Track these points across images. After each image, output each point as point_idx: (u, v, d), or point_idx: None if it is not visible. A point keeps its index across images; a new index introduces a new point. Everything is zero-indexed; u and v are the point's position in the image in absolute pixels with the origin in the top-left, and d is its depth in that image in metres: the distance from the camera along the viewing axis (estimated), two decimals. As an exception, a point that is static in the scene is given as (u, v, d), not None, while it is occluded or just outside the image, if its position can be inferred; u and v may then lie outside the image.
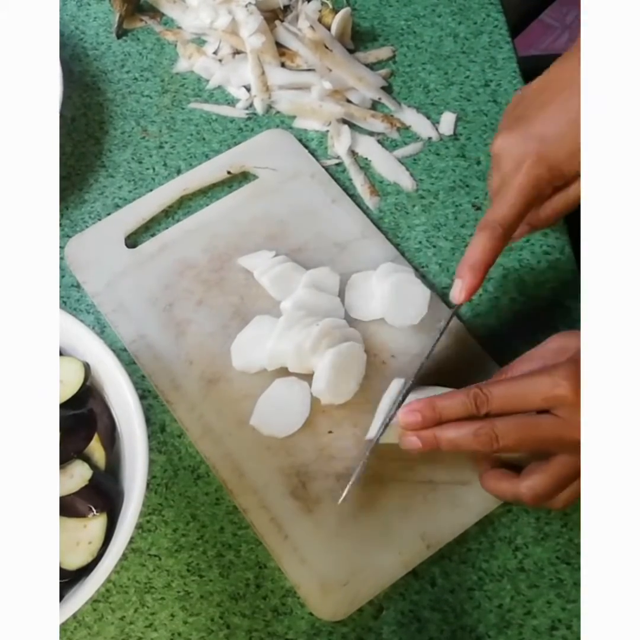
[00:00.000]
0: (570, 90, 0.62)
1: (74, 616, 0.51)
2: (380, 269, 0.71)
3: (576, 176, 0.63)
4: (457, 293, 0.61)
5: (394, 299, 0.70)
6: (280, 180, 0.78)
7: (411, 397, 0.61)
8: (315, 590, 0.61)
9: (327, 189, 0.77)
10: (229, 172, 0.78)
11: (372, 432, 0.61)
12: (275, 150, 0.79)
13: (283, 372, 0.67)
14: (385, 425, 0.60)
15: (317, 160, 0.80)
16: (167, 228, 0.75)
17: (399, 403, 0.60)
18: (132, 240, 0.75)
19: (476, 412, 0.57)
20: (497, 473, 0.61)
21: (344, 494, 0.60)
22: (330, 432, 0.66)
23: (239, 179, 0.79)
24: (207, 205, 0.77)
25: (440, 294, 0.73)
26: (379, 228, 0.76)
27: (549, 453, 0.58)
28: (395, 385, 0.62)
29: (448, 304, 0.73)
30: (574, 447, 0.55)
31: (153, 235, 0.75)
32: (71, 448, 0.56)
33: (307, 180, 0.78)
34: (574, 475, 0.58)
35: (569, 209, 0.65)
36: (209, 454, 0.66)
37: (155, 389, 0.68)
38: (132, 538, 0.52)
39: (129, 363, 0.69)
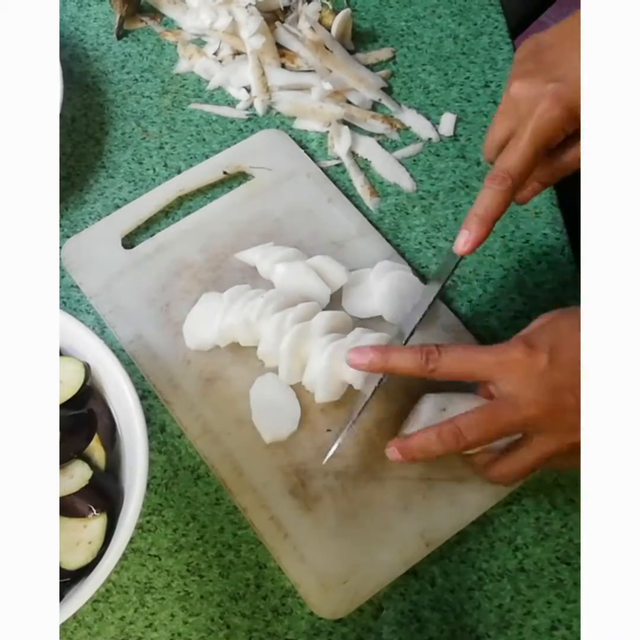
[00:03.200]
0: None
1: (74, 616, 0.51)
2: (378, 266, 0.72)
3: None
4: (462, 244, 0.61)
5: (391, 297, 0.70)
6: (276, 180, 0.78)
7: (423, 405, 0.63)
8: (315, 589, 0.61)
9: (323, 188, 0.77)
10: (225, 173, 0.78)
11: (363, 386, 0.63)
12: (271, 150, 0.79)
13: (236, 347, 0.68)
14: (380, 380, 0.62)
15: (316, 160, 0.80)
16: (165, 228, 0.76)
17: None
18: (130, 241, 0.75)
19: (424, 366, 0.58)
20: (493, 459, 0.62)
21: (333, 449, 0.62)
22: (328, 430, 0.66)
23: (236, 179, 0.79)
24: (206, 205, 0.77)
25: (440, 294, 0.73)
26: (378, 229, 0.76)
27: (520, 435, 0.59)
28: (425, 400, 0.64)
29: (447, 304, 0.73)
30: (534, 426, 0.57)
31: (152, 235, 0.75)
32: (71, 448, 0.56)
33: (303, 180, 0.78)
34: (553, 451, 0.58)
35: (578, 164, 0.64)
36: (207, 454, 0.66)
37: (154, 388, 0.68)
38: (132, 538, 0.52)
39: (128, 363, 0.69)
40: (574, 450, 0.56)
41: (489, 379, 0.58)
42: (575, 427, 0.55)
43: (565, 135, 0.61)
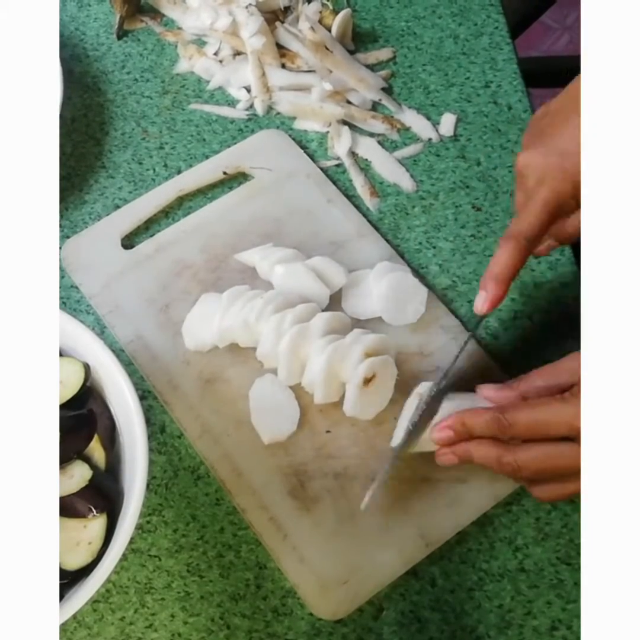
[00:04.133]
0: None
1: (74, 616, 0.51)
2: (377, 267, 0.72)
3: None
4: (481, 304, 0.61)
5: (391, 298, 0.70)
6: (275, 180, 0.78)
7: (444, 405, 0.61)
8: (315, 590, 0.61)
9: (323, 189, 0.77)
10: (225, 173, 0.78)
11: (396, 440, 0.61)
12: (271, 151, 0.79)
13: (235, 348, 0.68)
14: (409, 433, 0.60)
15: (316, 161, 0.80)
16: (165, 229, 0.76)
17: (422, 410, 0.60)
18: (130, 241, 0.75)
19: (501, 436, 0.58)
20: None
21: (366, 499, 0.59)
22: (328, 431, 0.66)
23: (236, 179, 0.79)
24: (206, 205, 0.77)
25: (440, 294, 0.73)
26: (378, 229, 0.76)
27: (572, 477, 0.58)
28: (420, 390, 0.62)
29: (447, 304, 0.73)
30: None
31: (152, 235, 0.75)
32: (71, 448, 0.56)
33: (302, 180, 0.78)
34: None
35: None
36: (207, 454, 0.66)
37: (153, 389, 0.68)
38: (132, 538, 0.52)
39: (128, 363, 0.69)
40: None
41: (569, 434, 0.57)
42: None
43: (576, 203, 0.62)
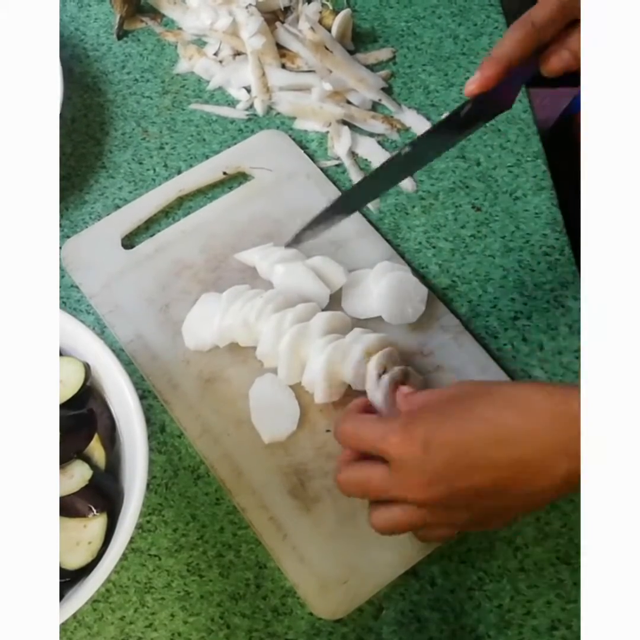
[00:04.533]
0: None
1: (74, 616, 0.51)
2: (377, 267, 0.72)
3: None
4: (470, 83, 0.58)
5: (391, 297, 0.70)
6: (276, 180, 0.78)
7: None
8: (315, 589, 0.61)
9: (323, 189, 0.77)
10: (225, 173, 0.78)
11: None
12: (271, 151, 0.79)
13: (235, 347, 0.68)
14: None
15: (316, 161, 0.80)
16: (165, 229, 0.76)
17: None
18: (130, 241, 0.75)
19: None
20: (346, 454, 0.60)
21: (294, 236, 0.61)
22: (328, 430, 0.66)
23: (236, 179, 0.79)
24: (206, 205, 0.77)
25: (440, 294, 0.73)
26: (378, 229, 0.76)
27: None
28: None
29: (447, 304, 0.73)
30: (403, 501, 0.55)
31: (152, 235, 0.75)
32: (71, 448, 0.56)
33: (302, 181, 0.78)
34: (414, 522, 0.56)
35: None
36: (207, 454, 0.66)
37: (153, 388, 0.68)
38: (132, 538, 0.52)
39: (128, 363, 0.69)
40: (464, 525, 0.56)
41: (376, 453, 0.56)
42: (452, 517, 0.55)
43: None
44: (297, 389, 0.67)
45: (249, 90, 0.84)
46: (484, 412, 0.53)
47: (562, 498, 0.65)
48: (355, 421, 0.58)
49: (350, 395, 0.66)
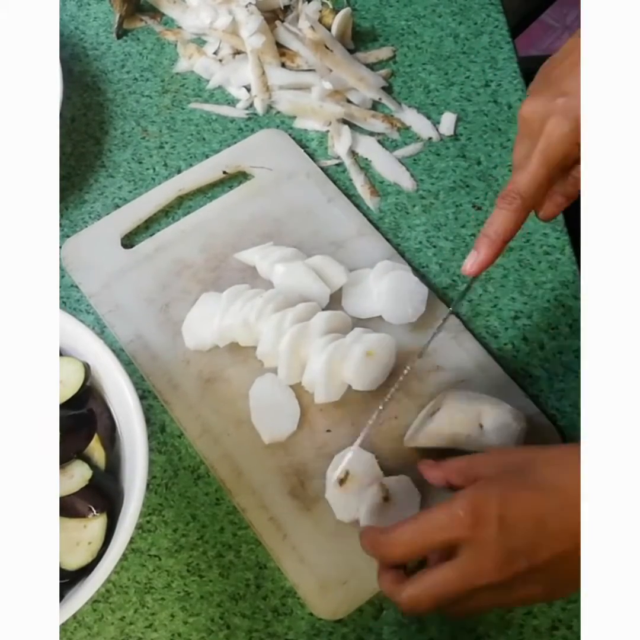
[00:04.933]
0: None
1: (74, 616, 0.51)
2: (378, 267, 0.72)
3: None
4: (470, 265, 0.59)
5: (391, 297, 0.70)
6: (276, 179, 0.78)
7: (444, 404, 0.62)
8: (315, 589, 0.61)
9: (323, 188, 0.77)
10: (225, 172, 0.78)
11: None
12: (271, 150, 0.79)
13: (235, 347, 0.68)
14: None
15: (316, 160, 0.80)
16: (165, 228, 0.76)
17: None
18: (130, 241, 0.75)
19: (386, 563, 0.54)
20: (390, 574, 0.54)
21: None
22: (328, 431, 0.66)
23: (236, 178, 0.79)
24: (206, 205, 0.77)
25: (441, 294, 0.73)
26: (379, 228, 0.76)
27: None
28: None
29: (447, 303, 0.73)
30: (482, 591, 0.51)
31: (152, 235, 0.75)
32: (71, 448, 0.56)
33: (302, 180, 0.78)
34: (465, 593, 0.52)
35: None
36: (207, 454, 0.66)
37: (153, 388, 0.68)
38: (132, 538, 0.52)
39: (128, 363, 0.69)
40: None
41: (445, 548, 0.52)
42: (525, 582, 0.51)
43: (579, 149, 0.58)
44: (297, 389, 0.67)
45: (248, 89, 0.84)
46: (549, 479, 0.51)
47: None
48: (405, 525, 0.52)
49: (350, 395, 0.66)
